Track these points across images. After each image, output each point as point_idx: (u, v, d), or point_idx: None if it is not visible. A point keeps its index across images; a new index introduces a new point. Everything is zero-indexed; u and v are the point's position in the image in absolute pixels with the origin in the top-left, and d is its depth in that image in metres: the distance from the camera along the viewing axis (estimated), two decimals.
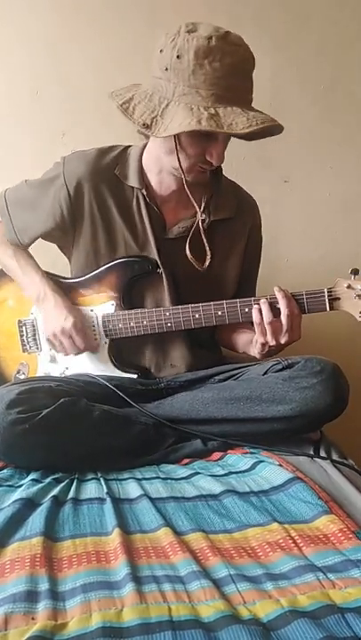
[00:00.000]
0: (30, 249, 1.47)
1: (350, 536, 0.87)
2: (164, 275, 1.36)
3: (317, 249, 1.99)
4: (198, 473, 1.13)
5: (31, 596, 0.73)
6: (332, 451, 1.25)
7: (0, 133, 1.78)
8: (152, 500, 1.00)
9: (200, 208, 1.33)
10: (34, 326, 1.46)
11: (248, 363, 1.38)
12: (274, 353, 1.33)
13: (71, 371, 1.42)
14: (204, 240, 1.32)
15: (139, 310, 1.36)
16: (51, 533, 0.89)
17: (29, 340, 1.46)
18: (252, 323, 1.29)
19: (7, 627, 0.68)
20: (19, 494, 1.00)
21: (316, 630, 0.67)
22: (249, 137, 1.25)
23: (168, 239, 1.37)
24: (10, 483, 1.09)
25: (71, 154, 1.39)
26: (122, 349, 1.41)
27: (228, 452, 1.24)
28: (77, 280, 1.41)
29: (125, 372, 1.39)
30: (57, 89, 1.78)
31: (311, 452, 1.23)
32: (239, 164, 1.73)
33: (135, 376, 1.39)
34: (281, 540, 0.87)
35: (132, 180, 1.35)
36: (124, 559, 0.81)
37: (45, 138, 1.79)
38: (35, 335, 1.46)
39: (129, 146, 1.40)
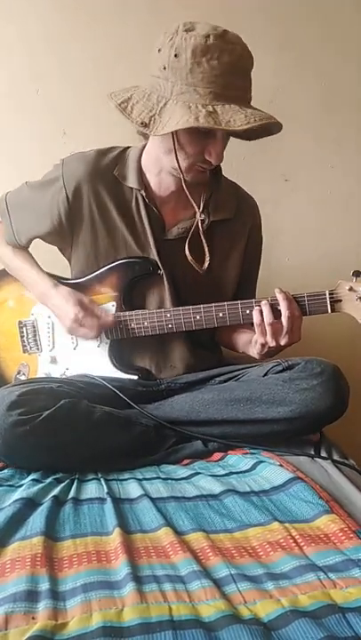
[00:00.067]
0: (30, 249, 1.47)
1: (351, 535, 0.87)
2: (164, 276, 1.36)
3: (318, 248, 1.99)
4: (199, 473, 1.13)
5: (31, 596, 0.73)
6: (333, 451, 1.25)
7: (1, 132, 1.78)
8: (152, 499, 1.00)
9: (199, 208, 1.33)
10: (34, 327, 1.46)
11: (248, 364, 1.38)
12: (273, 353, 1.33)
13: (72, 371, 1.42)
14: (203, 241, 1.32)
15: (140, 311, 1.36)
16: (51, 533, 0.89)
17: (30, 340, 1.46)
18: (252, 323, 1.28)
19: (7, 626, 0.68)
20: (19, 494, 1.00)
21: (316, 630, 0.67)
22: (248, 136, 1.25)
23: (168, 240, 1.37)
24: (10, 482, 1.09)
25: (70, 155, 1.39)
26: (122, 350, 1.40)
27: (229, 452, 1.24)
28: (78, 281, 1.41)
29: (126, 373, 1.39)
30: (58, 87, 1.79)
31: (312, 452, 1.23)
32: (239, 163, 1.74)
33: (136, 377, 1.39)
34: (282, 540, 0.87)
35: (132, 181, 1.35)
36: (124, 559, 0.81)
37: (46, 136, 1.79)
38: (35, 336, 1.46)
39: (128, 147, 1.40)
